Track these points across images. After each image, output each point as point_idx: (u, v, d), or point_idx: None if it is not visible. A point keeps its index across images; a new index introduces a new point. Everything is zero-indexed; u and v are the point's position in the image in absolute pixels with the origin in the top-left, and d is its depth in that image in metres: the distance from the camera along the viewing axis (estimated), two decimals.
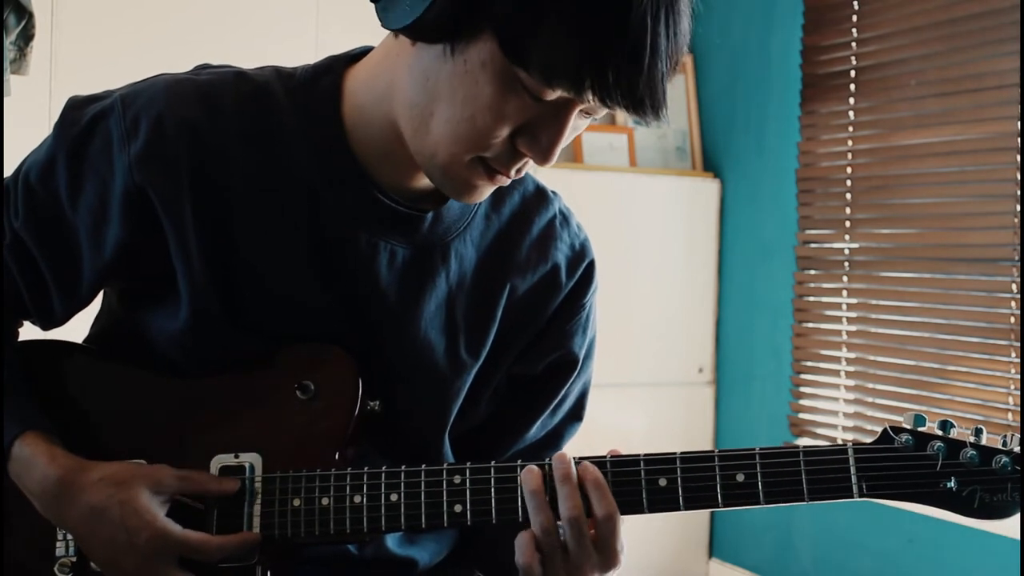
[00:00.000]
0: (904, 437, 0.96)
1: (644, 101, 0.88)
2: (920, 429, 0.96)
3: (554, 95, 0.90)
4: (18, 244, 1.05)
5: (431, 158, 0.97)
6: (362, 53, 1.07)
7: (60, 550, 1.04)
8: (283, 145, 1.03)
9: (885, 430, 0.97)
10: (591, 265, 1.17)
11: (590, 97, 0.88)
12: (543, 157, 0.94)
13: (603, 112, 0.94)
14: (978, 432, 0.94)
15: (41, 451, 1.01)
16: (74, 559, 1.03)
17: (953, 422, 0.95)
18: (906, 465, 0.95)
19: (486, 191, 1.01)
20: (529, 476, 0.97)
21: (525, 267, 1.12)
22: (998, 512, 0.93)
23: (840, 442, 3.21)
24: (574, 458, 0.99)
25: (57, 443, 1.02)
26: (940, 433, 0.95)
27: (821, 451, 0.97)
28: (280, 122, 1.03)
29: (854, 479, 0.95)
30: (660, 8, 0.86)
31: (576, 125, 0.95)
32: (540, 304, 1.14)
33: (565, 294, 1.15)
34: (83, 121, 1.02)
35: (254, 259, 1.03)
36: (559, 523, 0.97)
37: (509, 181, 0.99)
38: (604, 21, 0.85)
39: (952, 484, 0.94)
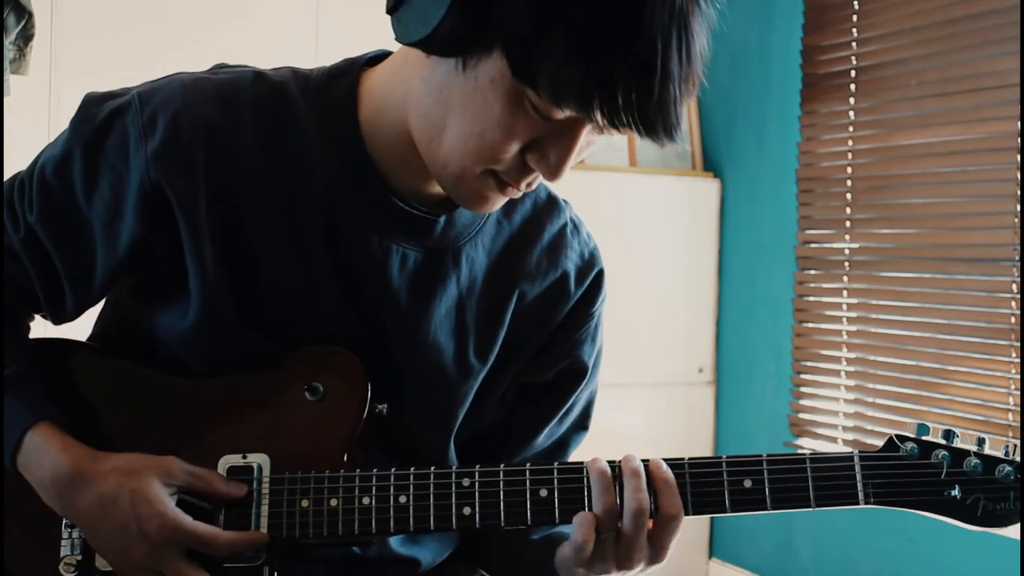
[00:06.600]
0: (909, 445, 0.97)
1: (655, 125, 0.87)
2: (924, 438, 0.97)
3: (563, 115, 0.90)
4: (32, 238, 1.05)
5: (443, 168, 0.98)
6: (378, 56, 1.07)
7: (65, 549, 1.04)
8: (299, 146, 1.03)
9: (890, 438, 0.98)
10: (600, 274, 1.18)
11: (599, 119, 0.88)
12: (552, 173, 0.95)
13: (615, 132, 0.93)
14: (980, 442, 0.96)
15: (54, 441, 1.01)
16: (79, 558, 1.03)
17: (956, 431, 0.96)
18: (911, 473, 0.97)
19: (497, 202, 1.01)
20: (596, 461, 0.99)
21: (535, 274, 1.13)
22: (1001, 521, 0.94)
23: (841, 443, 3.19)
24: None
25: (68, 434, 1.03)
26: (944, 442, 0.96)
27: (827, 458, 0.98)
28: (297, 123, 1.03)
29: (860, 486, 0.97)
30: (671, 31, 0.85)
31: (589, 140, 0.95)
32: (549, 311, 1.14)
33: (574, 302, 1.16)
34: (100, 117, 1.03)
35: (266, 260, 1.03)
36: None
37: (520, 194, 1.00)
38: (612, 45, 0.84)
39: (956, 492, 0.95)
